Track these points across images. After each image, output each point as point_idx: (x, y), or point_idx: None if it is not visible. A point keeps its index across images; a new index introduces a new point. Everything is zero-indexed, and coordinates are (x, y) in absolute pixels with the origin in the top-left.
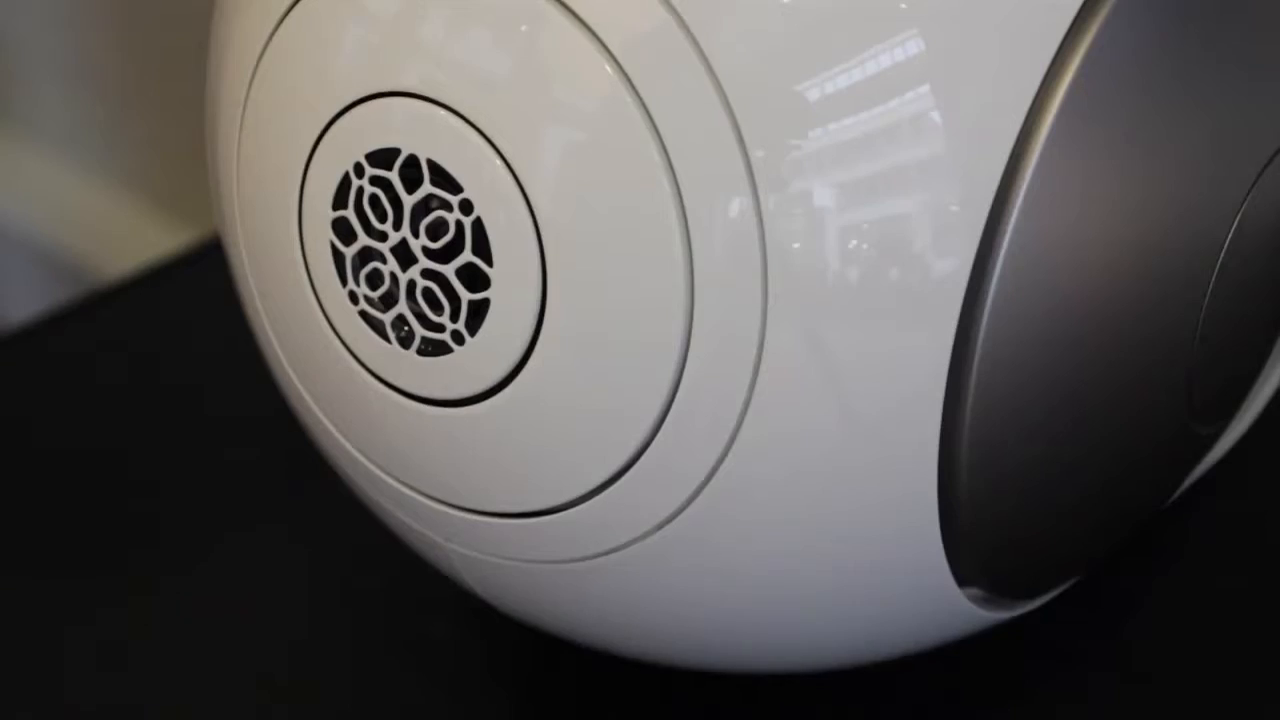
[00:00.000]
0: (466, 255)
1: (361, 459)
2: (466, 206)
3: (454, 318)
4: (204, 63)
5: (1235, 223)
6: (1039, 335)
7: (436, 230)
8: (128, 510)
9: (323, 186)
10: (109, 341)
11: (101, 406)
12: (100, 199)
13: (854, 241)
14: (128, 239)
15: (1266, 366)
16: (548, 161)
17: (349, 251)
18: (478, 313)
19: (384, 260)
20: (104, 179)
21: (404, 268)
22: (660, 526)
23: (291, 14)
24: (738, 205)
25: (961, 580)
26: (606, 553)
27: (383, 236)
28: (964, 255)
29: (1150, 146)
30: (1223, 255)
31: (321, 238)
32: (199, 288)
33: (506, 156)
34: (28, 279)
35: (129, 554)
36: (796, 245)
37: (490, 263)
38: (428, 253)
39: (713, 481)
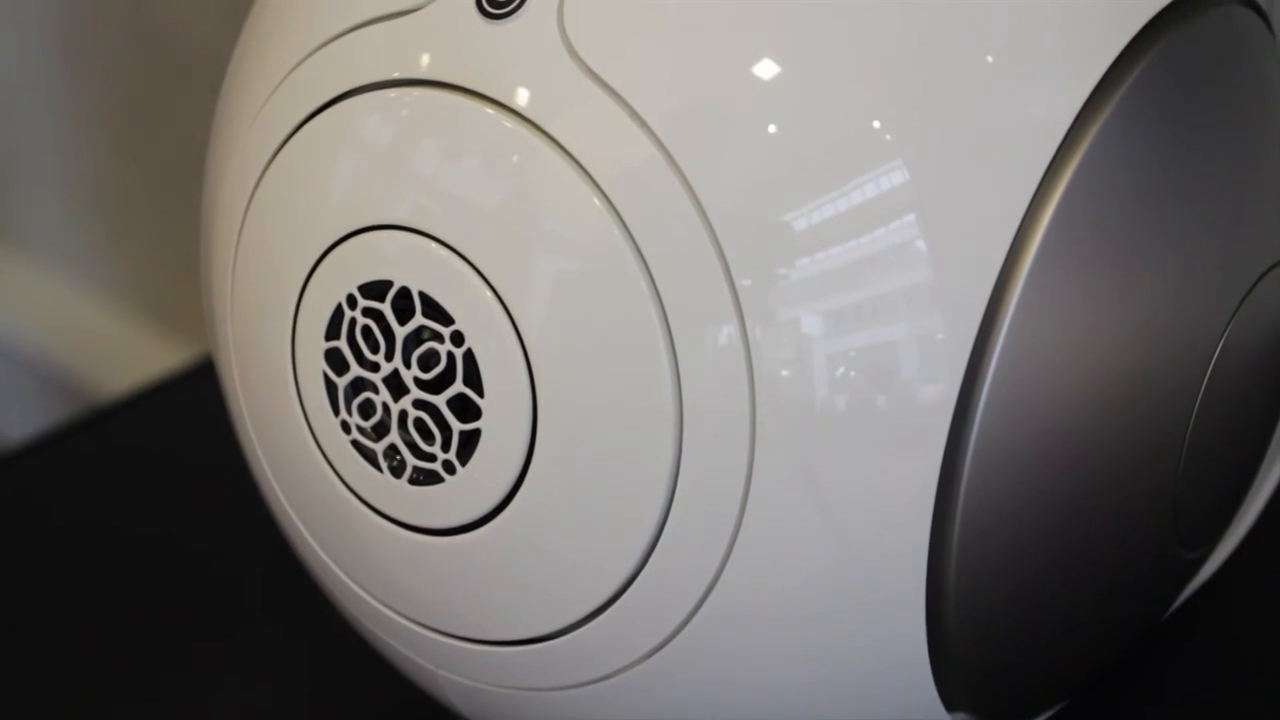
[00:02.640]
0: (458, 386)
1: (352, 585)
2: (458, 338)
3: (445, 448)
4: (201, 181)
5: (1218, 348)
6: (1024, 460)
7: (428, 361)
8: (125, 623)
9: (316, 317)
10: (106, 458)
11: (95, 525)
12: (97, 315)
13: (841, 369)
14: (125, 355)
15: (1250, 491)
16: (537, 294)
17: (341, 382)
18: (469, 442)
19: (376, 390)
20: (101, 295)
21: (396, 398)
22: (650, 654)
23: (285, 148)
24: (725, 334)
25: (950, 705)
26: (596, 680)
27: (375, 367)
28: (950, 382)
29: (1134, 273)
30: (1207, 380)
31: (314, 368)
32: (196, 404)
33: (497, 289)
34: (25, 395)
35: (116, 671)
36: (784, 373)
37: (481, 393)
38: (419, 383)
39: (703, 608)
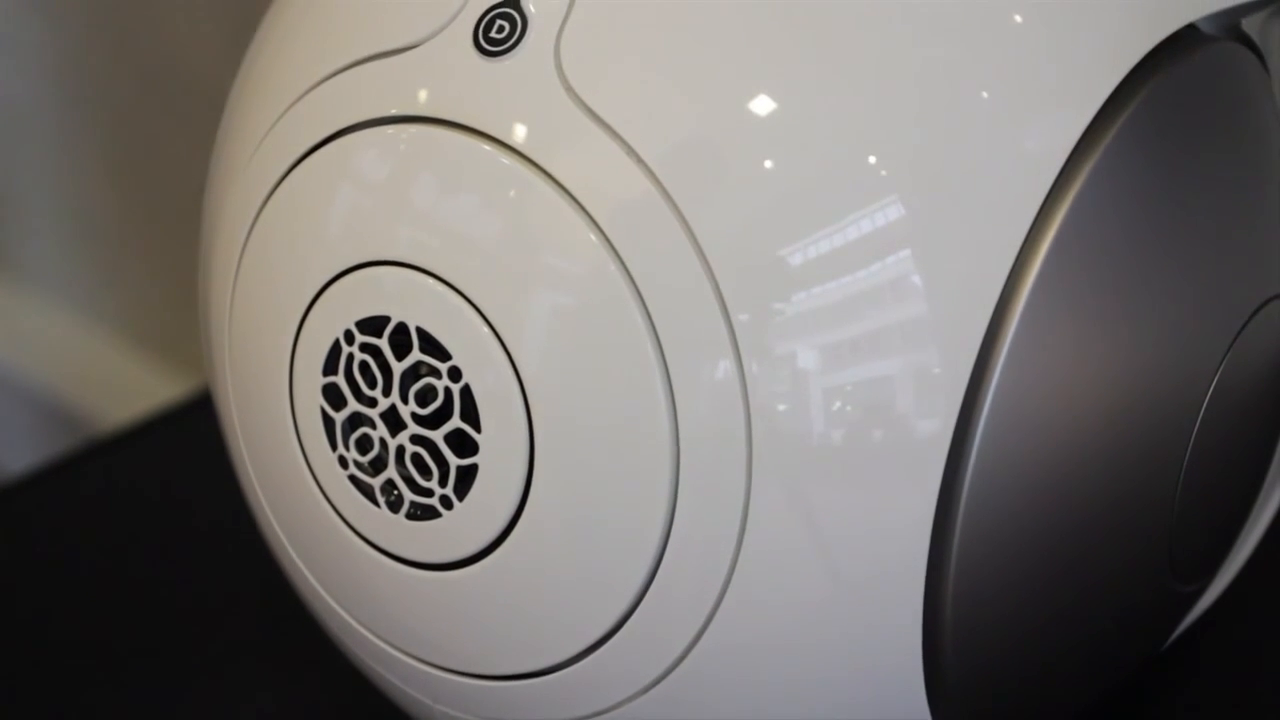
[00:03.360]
0: (455, 421)
1: (350, 620)
2: (455, 373)
3: (442, 483)
4: (200, 213)
5: (1214, 383)
6: (1020, 494)
7: (425, 396)
8: (123, 656)
9: (313, 353)
10: (105, 491)
11: (94, 557)
12: (97, 346)
13: (838, 403)
14: (125, 386)
15: (1245, 526)
16: (534, 329)
17: (339, 417)
18: (466, 477)
19: (373, 426)
20: (100, 326)
21: (393, 433)
22: (648, 688)
23: (283, 184)
24: (722, 368)
25: None
26: (594, 715)
27: (372, 402)
28: (947, 416)
29: (1130, 307)
30: (1202, 414)
31: (312, 403)
32: (195, 437)
33: (494, 324)
34: (24, 427)
35: (114, 704)
36: (781, 407)
37: (478, 428)
38: (417, 418)
39: (701, 642)
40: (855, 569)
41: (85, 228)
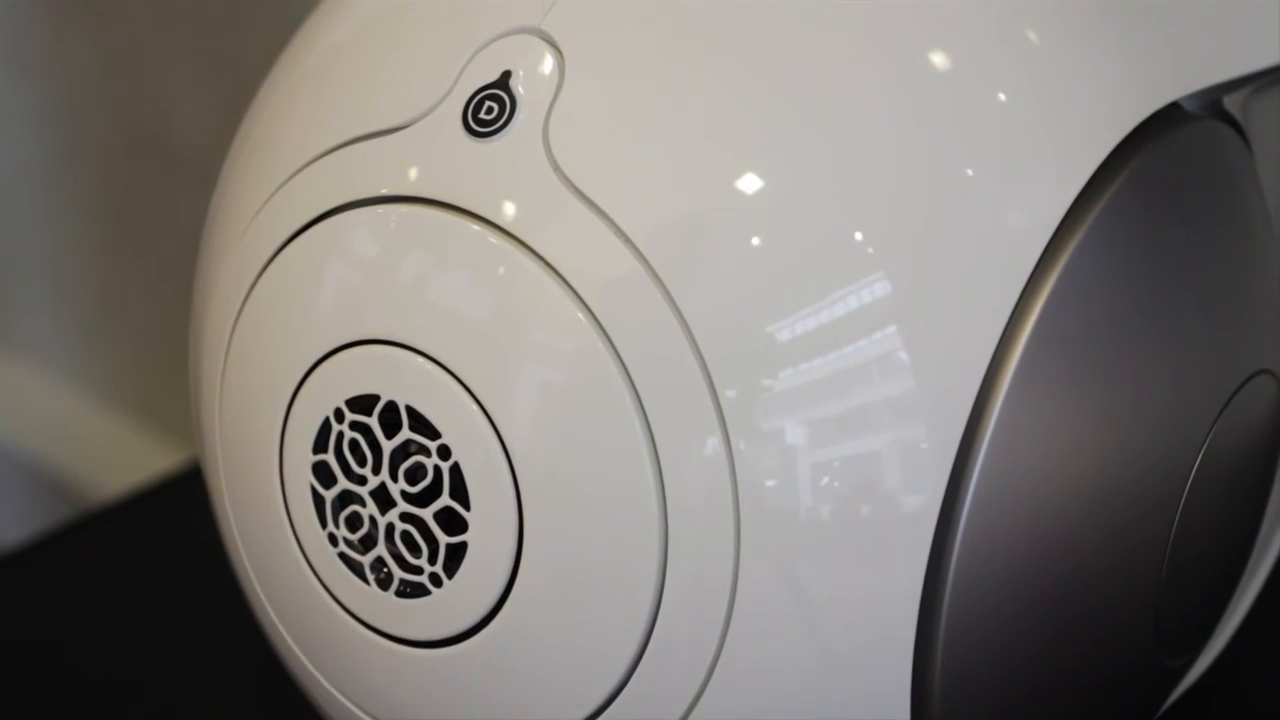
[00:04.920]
0: (444, 499)
1: (339, 696)
2: (444, 452)
3: (432, 560)
4: (192, 283)
5: (1199, 458)
6: (1007, 567)
7: (415, 474)
8: None
9: (303, 430)
10: (96, 563)
11: (85, 629)
12: (89, 415)
13: (825, 479)
14: (118, 455)
15: (1232, 602)
16: (523, 407)
17: (329, 495)
18: (455, 555)
19: (363, 503)
20: (93, 395)
21: (383, 511)
22: None
23: (274, 263)
24: (710, 445)
25: None
26: None
27: (362, 480)
28: (934, 491)
29: (1115, 382)
30: (1188, 490)
31: (302, 480)
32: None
33: (483, 402)
34: (14, 495)
35: None
36: (769, 483)
37: (468, 506)
38: (406, 496)
39: (691, 715)
40: (844, 642)
41: (77, 296)
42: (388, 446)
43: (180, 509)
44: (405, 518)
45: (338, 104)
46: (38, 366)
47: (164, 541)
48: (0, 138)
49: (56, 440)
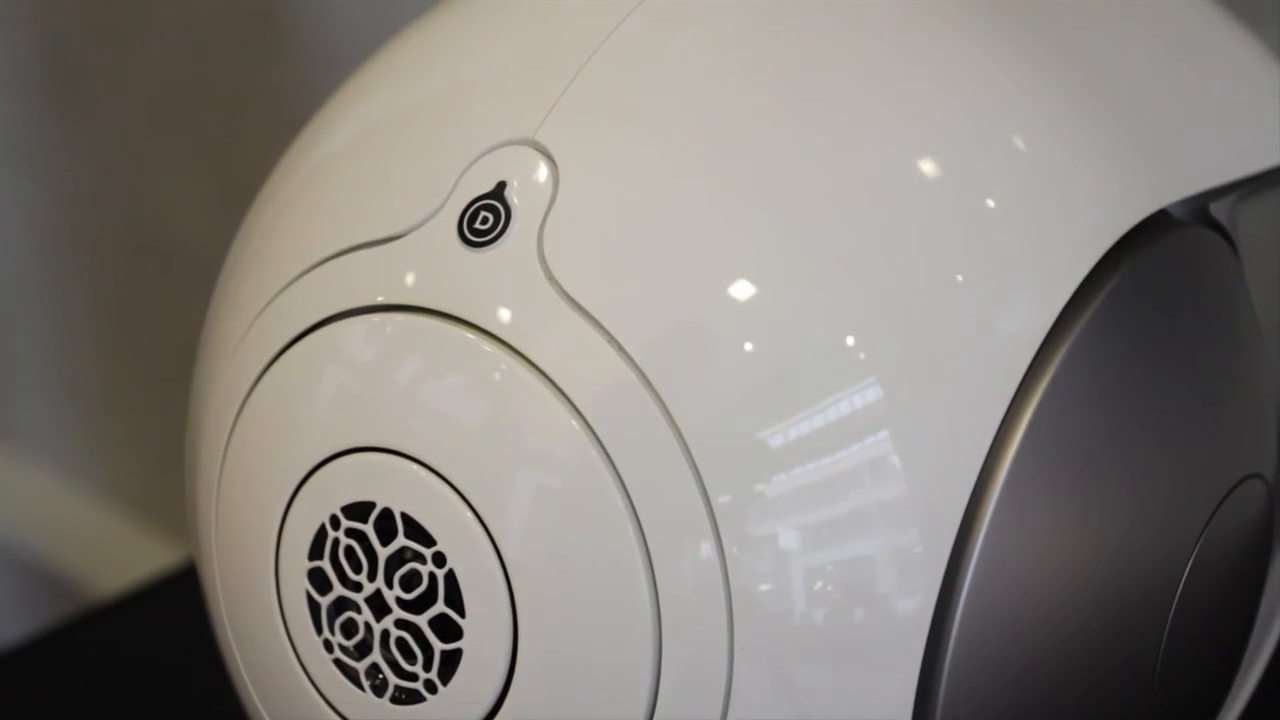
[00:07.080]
0: (439, 606)
1: None
2: (440, 559)
3: (427, 667)
4: (190, 383)
5: (1191, 560)
6: (1002, 670)
7: (410, 581)
8: None
9: (299, 537)
10: (94, 663)
11: None
12: (88, 512)
13: (819, 583)
14: (117, 552)
15: (1229, 697)
16: (517, 514)
17: (324, 601)
18: (450, 661)
19: (358, 610)
20: (92, 492)
21: (378, 618)
22: None
23: (270, 371)
24: (703, 550)
25: None
26: None
27: (357, 587)
28: (927, 594)
29: (1106, 487)
30: (1180, 592)
31: (297, 587)
32: (187, 606)
33: (478, 510)
34: (13, 591)
35: None
36: (762, 588)
37: (463, 614)
38: (401, 603)
39: None
40: None
41: (75, 392)
42: (383, 553)
43: (178, 606)
44: (400, 624)
45: (335, 212)
46: (37, 463)
47: (161, 638)
48: (1, 236)
49: (55, 536)
